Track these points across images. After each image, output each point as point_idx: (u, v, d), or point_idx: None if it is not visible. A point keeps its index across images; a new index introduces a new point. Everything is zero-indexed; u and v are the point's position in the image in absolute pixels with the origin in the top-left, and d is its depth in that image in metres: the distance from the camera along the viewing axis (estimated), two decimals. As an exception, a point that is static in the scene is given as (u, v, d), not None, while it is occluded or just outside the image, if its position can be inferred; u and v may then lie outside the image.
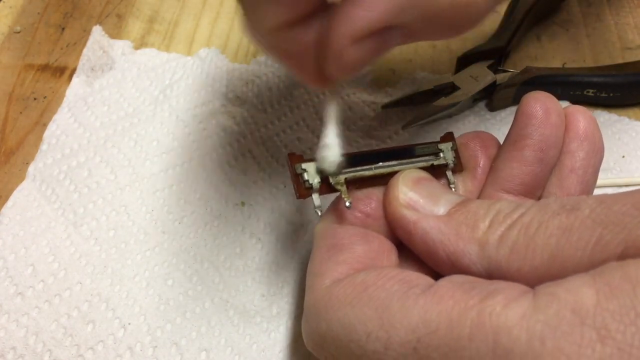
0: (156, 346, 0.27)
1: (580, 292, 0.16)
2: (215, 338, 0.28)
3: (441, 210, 0.22)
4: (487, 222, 0.20)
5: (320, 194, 0.23)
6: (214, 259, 0.30)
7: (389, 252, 0.23)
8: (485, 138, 0.26)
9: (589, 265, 0.17)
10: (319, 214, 0.23)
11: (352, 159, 0.23)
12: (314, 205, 0.23)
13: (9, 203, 0.32)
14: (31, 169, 0.33)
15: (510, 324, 0.16)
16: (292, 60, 0.21)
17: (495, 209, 0.21)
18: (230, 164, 0.34)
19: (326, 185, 0.23)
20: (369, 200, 0.24)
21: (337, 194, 0.23)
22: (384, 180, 0.24)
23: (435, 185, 0.24)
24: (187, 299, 0.29)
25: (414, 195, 0.23)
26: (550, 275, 0.18)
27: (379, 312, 0.19)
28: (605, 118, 0.37)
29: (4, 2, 0.42)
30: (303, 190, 0.23)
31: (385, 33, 0.19)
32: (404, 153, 0.24)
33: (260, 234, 0.31)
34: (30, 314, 0.28)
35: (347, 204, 0.23)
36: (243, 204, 0.32)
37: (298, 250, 0.31)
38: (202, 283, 0.29)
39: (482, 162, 0.25)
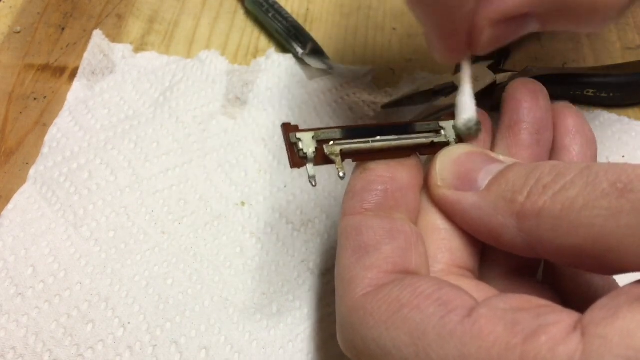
0: (156, 345, 0.27)
1: (635, 337, 0.15)
2: (215, 336, 0.28)
3: (481, 185, 0.21)
4: (525, 194, 0.19)
5: (315, 164, 0.23)
6: (214, 259, 0.30)
7: (416, 244, 0.22)
8: (483, 115, 0.26)
9: (638, 252, 0.16)
10: (313, 184, 0.23)
11: (349, 132, 0.23)
12: (308, 175, 0.22)
13: (10, 205, 0.32)
14: (32, 171, 0.33)
15: None
16: (447, 21, 0.23)
17: (534, 177, 0.20)
18: (230, 164, 0.34)
19: (321, 156, 0.23)
20: (384, 175, 0.23)
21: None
22: (381, 154, 0.23)
23: (477, 157, 0.23)
24: (186, 298, 0.29)
25: (452, 175, 0.22)
26: (595, 256, 0.17)
27: (414, 339, 0.18)
28: (605, 118, 0.37)
29: (4, 2, 0.42)
30: (297, 159, 0.22)
31: (521, 18, 0.22)
32: (404, 129, 0.24)
33: (260, 234, 0.31)
34: (30, 314, 0.28)
35: (341, 174, 0.22)
36: (243, 204, 0.32)
37: (298, 250, 0.31)
38: (201, 282, 0.29)
39: (483, 140, 0.25)
